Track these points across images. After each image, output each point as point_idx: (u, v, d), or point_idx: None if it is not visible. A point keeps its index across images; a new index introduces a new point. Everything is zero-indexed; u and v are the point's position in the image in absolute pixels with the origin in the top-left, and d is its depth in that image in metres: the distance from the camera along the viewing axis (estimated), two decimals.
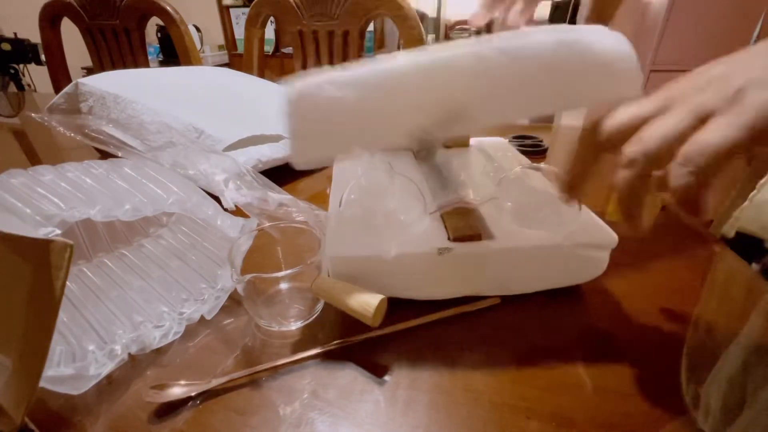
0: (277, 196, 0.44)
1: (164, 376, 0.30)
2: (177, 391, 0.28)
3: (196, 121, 0.59)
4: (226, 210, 0.38)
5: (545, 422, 0.26)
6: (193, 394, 0.28)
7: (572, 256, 0.34)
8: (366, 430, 0.26)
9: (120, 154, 0.50)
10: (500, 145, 0.55)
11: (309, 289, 0.32)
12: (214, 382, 0.28)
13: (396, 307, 0.33)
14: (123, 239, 0.42)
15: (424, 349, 0.32)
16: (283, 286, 0.37)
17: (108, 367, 0.29)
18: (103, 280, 0.37)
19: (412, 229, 0.35)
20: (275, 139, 0.60)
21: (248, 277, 0.31)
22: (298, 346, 0.32)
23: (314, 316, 0.35)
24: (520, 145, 0.67)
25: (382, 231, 0.35)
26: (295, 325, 0.34)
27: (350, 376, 0.30)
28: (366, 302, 0.29)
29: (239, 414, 0.27)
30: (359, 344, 0.32)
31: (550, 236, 0.34)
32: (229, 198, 0.43)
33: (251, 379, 0.29)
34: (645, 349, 0.32)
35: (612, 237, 0.34)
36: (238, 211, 0.42)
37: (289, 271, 0.31)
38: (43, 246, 0.22)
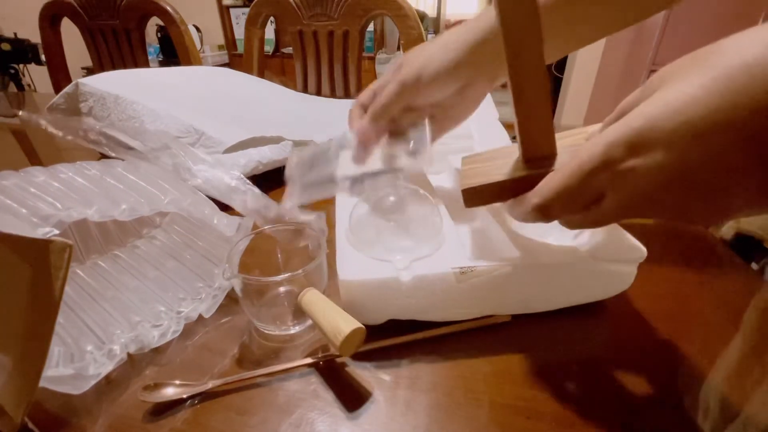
0: (276, 206, 0.44)
1: (163, 376, 0.30)
2: (170, 392, 0.28)
3: (196, 122, 0.59)
4: (223, 210, 0.38)
5: (546, 423, 0.26)
6: (185, 396, 0.28)
7: (598, 272, 0.33)
8: (366, 430, 0.26)
9: (114, 155, 0.49)
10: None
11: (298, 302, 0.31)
12: (211, 384, 0.28)
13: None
14: (116, 241, 0.42)
15: (424, 350, 0.32)
16: (282, 289, 0.36)
17: (107, 367, 0.29)
18: (98, 282, 0.37)
19: (428, 245, 0.34)
20: (275, 140, 0.60)
21: (238, 278, 0.30)
22: (298, 347, 0.32)
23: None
24: None
25: (396, 250, 0.33)
26: (294, 330, 0.34)
27: (350, 376, 0.30)
28: (337, 329, 0.27)
29: (239, 414, 0.27)
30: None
31: (575, 251, 0.32)
32: (239, 204, 0.42)
33: (251, 381, 0.29)
34: (644, 350, 0.32)
35: (640, 250, 0.32)
36: (234, 211, 0.42)
37: (286, 275, 0.31)
38: (42, 246, 0.22)
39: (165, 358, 0.31)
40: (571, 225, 0.25)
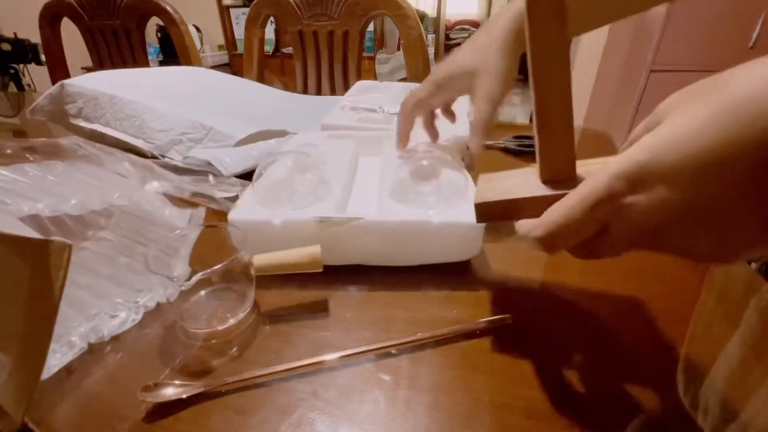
0: (189, 186, 0.48)
1: (163, 374, 0.30)
2: (170, 392, 0.28)
3: (202, 118, 0.59)
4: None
5: (545, 423, 0.26)
6: (185, 396, 0.28)
7: (441, 234, 0.37)
8: (366, 430, 0.26)
9: (112, 156, 0.50)
10: None
11: (250, 271, 0.34)
12: (211, 384, 0.28)
13: (399, 317, 0.34)
14: None
15: (424, 350, 0.32)
16: (211, 288, 0.36)
17: (68, 357, 0.30)
18: None
19: (319, 203, 0.40)
20: (281, 134, 0.61)
21: (193, 279, 0.31)
22: (298, 347, 0.32)
23: (246, 312, 0.34)
24: (519, 145, 0.67)
25: (287, 203, 0.39)
26: (233, 320, 0.34)
27: (350, 376, 0.30)
28: (307, 252, 0.34)
29: (239, 414, 0.27)
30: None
31: (419, 213, 0.37)
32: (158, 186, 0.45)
33: (251, 381, 0.29)
34: (644, 349, 0.32)
35: (471, 222, 0.35)
36: (185, 202, 0.44)
37: (219, 268, 0.31)
38: (42, 246, 0.22)
39: (165, 358, 0.31)
40: (578, 255, 0.24)
